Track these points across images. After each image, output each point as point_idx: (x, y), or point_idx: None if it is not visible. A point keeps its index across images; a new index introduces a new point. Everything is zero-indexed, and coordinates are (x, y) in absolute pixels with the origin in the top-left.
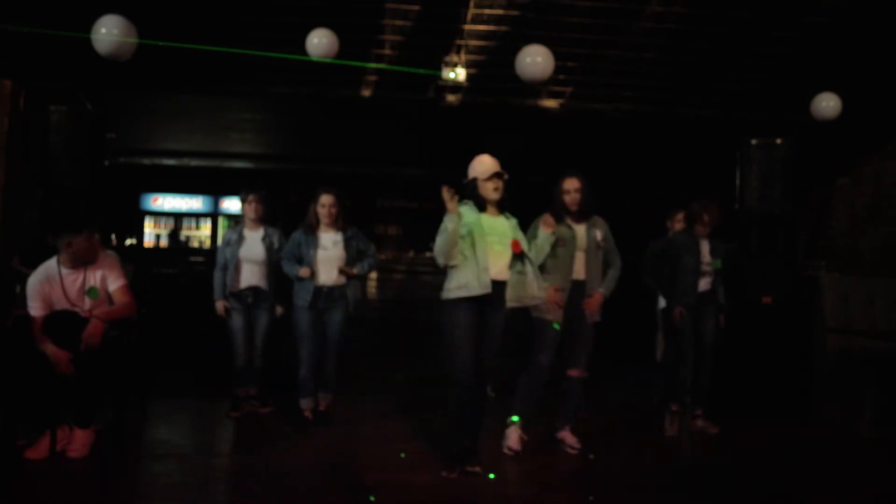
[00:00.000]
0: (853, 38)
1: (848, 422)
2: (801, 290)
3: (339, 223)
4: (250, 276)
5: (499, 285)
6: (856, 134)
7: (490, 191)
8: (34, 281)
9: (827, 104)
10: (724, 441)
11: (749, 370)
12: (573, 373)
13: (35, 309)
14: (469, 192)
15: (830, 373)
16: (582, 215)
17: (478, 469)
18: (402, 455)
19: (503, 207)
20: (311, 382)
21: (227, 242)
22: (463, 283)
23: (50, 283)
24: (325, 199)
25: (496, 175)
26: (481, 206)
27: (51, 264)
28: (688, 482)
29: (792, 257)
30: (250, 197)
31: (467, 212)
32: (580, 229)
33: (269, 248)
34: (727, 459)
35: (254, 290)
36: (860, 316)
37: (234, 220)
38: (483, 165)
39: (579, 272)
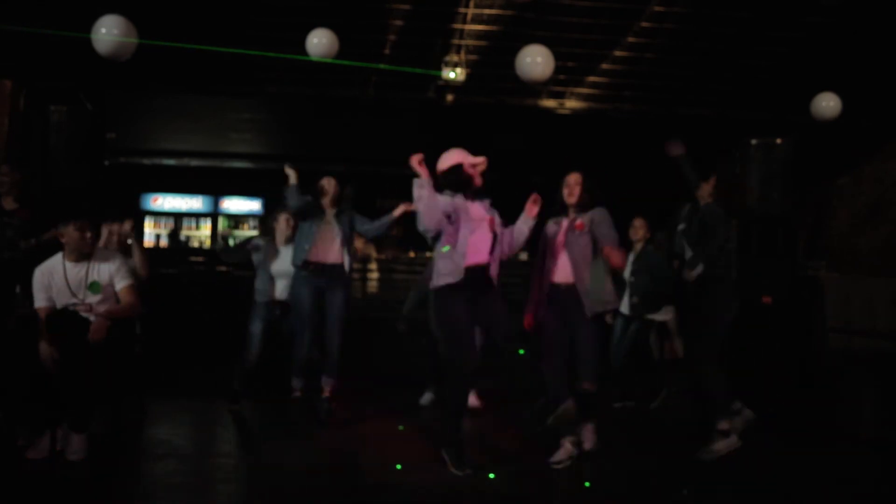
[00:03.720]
0: (853, 38)
1: (848, 422)
2: (801, 290)
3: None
4: (282, 290)
5: (480, 269)
6: (856, 134)
7: (478, 174)
8: (37, 272)
9: (827, 104)
10: None
11: (749, 370)
12: (584, 385)
13: (38, 300)
14: (452, 178)
15: (830, 373)
16: (580, 209)
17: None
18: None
19: (481, 193)
20: (306, 363)
21: (255, 247)
22: (450, 269)
23: (52, 275)
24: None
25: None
26: (465, 192)
27: (57, 257)
28: (688, 482)
29: (792, 257)
30: (285, 215)
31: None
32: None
33: None
34: (727, 459)
35: (282, 304)
36: (860, 316)
37: (234, 220)
38: (461, 153)
39: (566, 275)
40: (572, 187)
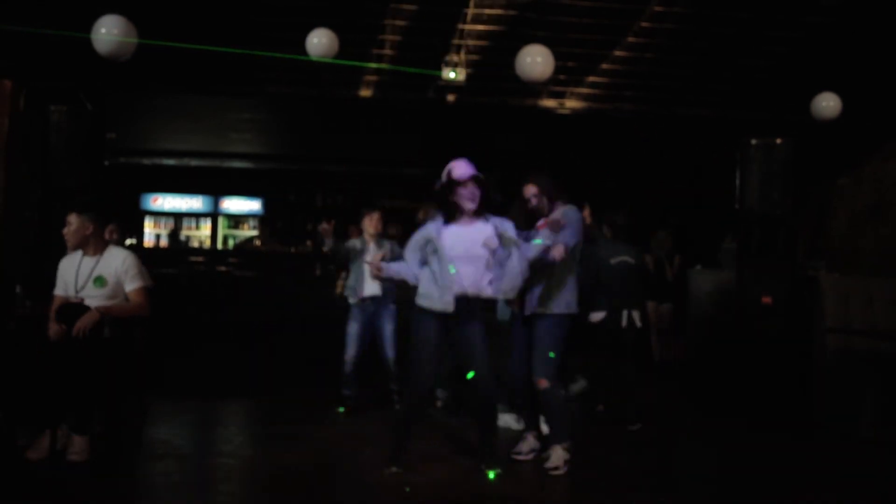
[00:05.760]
0: (853, 38)
1: (848, 422)
2: (801, 290)
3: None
4: (373, 285)
5: (471, 301)
6: (856, 134)
7: (465, 199)
8: (60, 262)
9: (827, 104)
10: (723, 441)
11: (749, 370)
12: (535, 382)
13: (56, 287)
14: (440, 197)
15: (830, 373)
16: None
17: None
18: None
19: (483, 212)
20: None
21: (353, 248)
22: (426, 293)
23: (69, 265)
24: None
25: (473, 179)
26: (452, 214)
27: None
28: (688, 482)
29: (792, 257)
30: (372, 212)
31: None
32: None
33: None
34: (727, 460)
35: (374, 298)
36: (860, 316)
37: (234, 220)
38: (459, 169)
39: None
40: (532, 199)
